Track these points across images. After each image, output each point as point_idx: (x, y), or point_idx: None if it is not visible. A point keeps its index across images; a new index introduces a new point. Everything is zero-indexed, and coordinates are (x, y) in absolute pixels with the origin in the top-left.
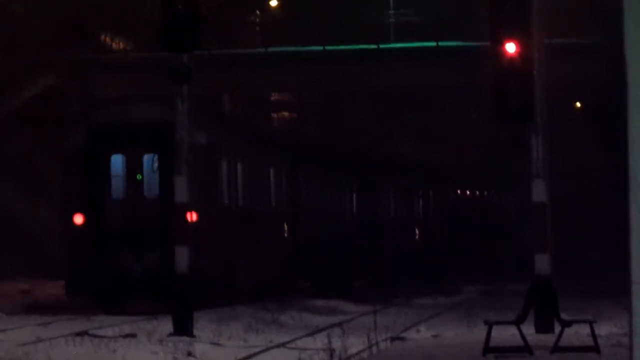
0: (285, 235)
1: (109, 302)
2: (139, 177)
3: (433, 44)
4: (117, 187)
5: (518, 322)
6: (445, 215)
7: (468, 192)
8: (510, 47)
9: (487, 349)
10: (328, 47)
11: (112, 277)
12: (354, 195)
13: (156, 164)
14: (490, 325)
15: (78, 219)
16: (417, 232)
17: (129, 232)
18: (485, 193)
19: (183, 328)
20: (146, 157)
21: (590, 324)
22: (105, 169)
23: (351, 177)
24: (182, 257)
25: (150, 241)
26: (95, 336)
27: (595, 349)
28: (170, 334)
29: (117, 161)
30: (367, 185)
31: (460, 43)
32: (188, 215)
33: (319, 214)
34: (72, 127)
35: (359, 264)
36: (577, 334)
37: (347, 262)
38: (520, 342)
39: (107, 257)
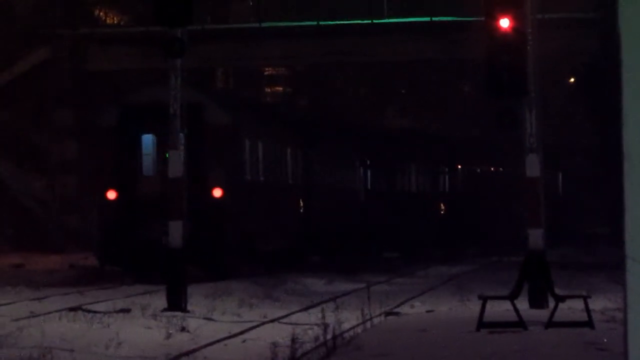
0: (301, 210)
1: (139, 271)
2: (167, 155)
3: (427, 18)
4: (148, 164)
5: (512, 297)
6: (454, 190)
7: (477, 167)
8: (504, 22)
9: (481, 324)
10: (322, 22)
11: (142, 249)
12: (363, 171)
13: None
14: (484, 300)
15: (111, 194)
16: (425, 206)
17: (158, 207)
18: (494, 168)
19: (177, 303)
20: None
21: (585, 299)
22: (137, 148)
23: (360, 154)
24: (176, 231)
25: None
26: (89, 311)
27: (589, 324)
28: (164, 309)
29: (148, 140)
30: (376, 162)
31: (454, 18)
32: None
33: (331, 190)
34: (63, 102)
35: (365, 239)
36: (571, 309)
37: (352, 237)
38: (514, 317)
39: (137, 230)
